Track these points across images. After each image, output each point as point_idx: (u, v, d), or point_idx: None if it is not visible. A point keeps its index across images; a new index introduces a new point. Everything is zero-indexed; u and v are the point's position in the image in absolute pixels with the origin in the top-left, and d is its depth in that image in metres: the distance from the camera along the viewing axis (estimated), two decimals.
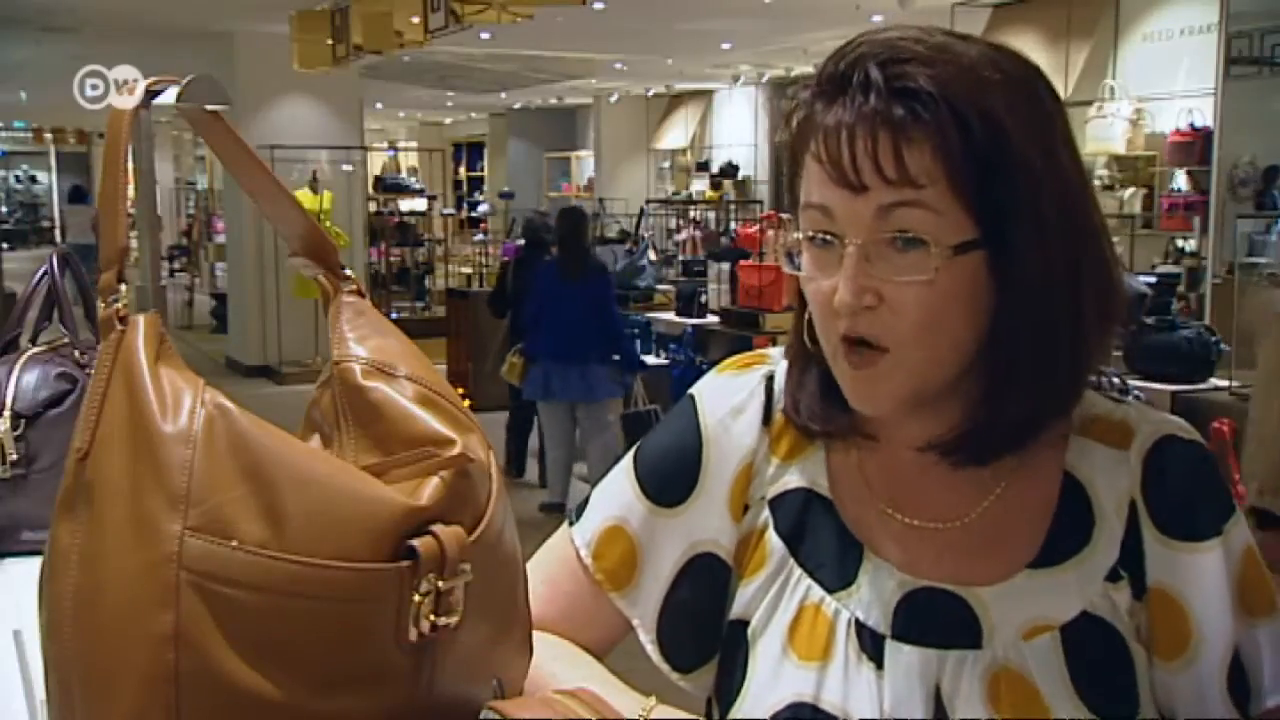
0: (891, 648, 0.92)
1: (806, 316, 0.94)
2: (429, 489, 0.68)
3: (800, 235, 0.90)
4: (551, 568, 1.03)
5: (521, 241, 9.32)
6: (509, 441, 7.11)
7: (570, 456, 6.49)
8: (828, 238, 0.88)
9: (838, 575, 0.95)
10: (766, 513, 0.99)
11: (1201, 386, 4.33)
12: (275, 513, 0.64)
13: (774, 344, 1.07)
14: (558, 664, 0.94)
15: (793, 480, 1.00)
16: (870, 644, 0.92)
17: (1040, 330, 0.88)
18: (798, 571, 0.96)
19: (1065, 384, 0.91)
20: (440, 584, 0.66)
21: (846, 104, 0.86)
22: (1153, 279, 6.24)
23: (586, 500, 1.05)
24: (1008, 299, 0.87)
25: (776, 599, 0.96)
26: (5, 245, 17.25)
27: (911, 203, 0.84)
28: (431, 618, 0.66)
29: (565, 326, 5.99)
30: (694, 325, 7.15)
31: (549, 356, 6.09)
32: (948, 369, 0.89)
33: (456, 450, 0.70)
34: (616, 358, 6.25)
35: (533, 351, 6.18)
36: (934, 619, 0.92)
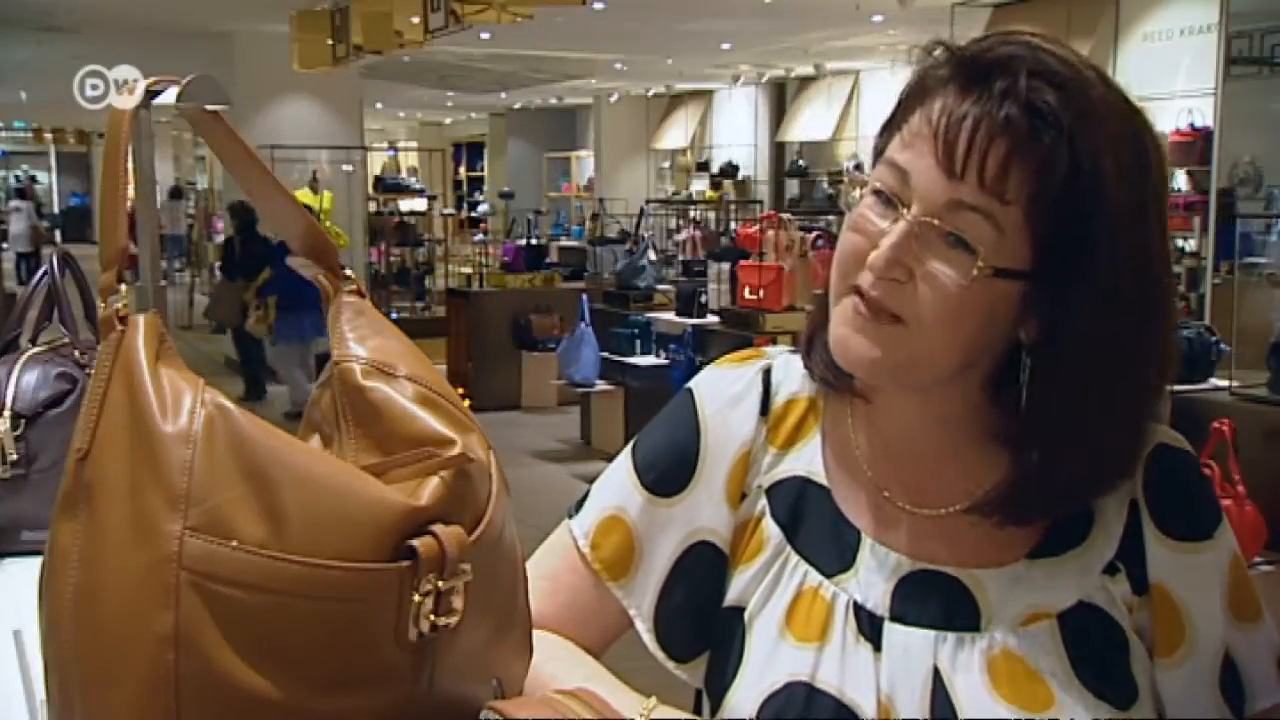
0: (889, 629, 0.93)
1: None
2: (429, 489, 0.68)
3: (867, 182, 0.91)
4: (550, 562, 1.03)
5: (519, 241, 11.12)
6: (246, 377, 10.00)
7: (309, 376, 8.82)
8: (891, 197, 0.89)
9: (835, 560, 0.96)
10: (763, 500, 1.00)
11: (1202, 386, 4.31)
12: (275, 513, 0.64)
13: (774, 344, 1.07)
14: (558, 664, 0.94)
15: (789, 469, 1.01)
16: (868, 626, 0.93)
17: (1091, 398, 0.89)
18: (795, 557, 0.97)
19: (1121, 443, 0.92)
20: (440, 584, 0.66)
21: (983, 98, 0.86)
22: None
23: (586, 494, 1.05)
24: (1059, 353, 0.87)
25: (773, 584, 0.97)
26: (4, 245, 17.25)
27: (985, 212, 0.85)
28: (431, 618, 0.66)
29: (308, 287, 8.32)
30: (694, 325, 7.13)
31: (303, 308, 8.59)
32: (940, 369, 0.90)
33: (456, 450, 0.70)
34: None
35: (290, 304, 8.73)
36: (932, 601, 0.93)
